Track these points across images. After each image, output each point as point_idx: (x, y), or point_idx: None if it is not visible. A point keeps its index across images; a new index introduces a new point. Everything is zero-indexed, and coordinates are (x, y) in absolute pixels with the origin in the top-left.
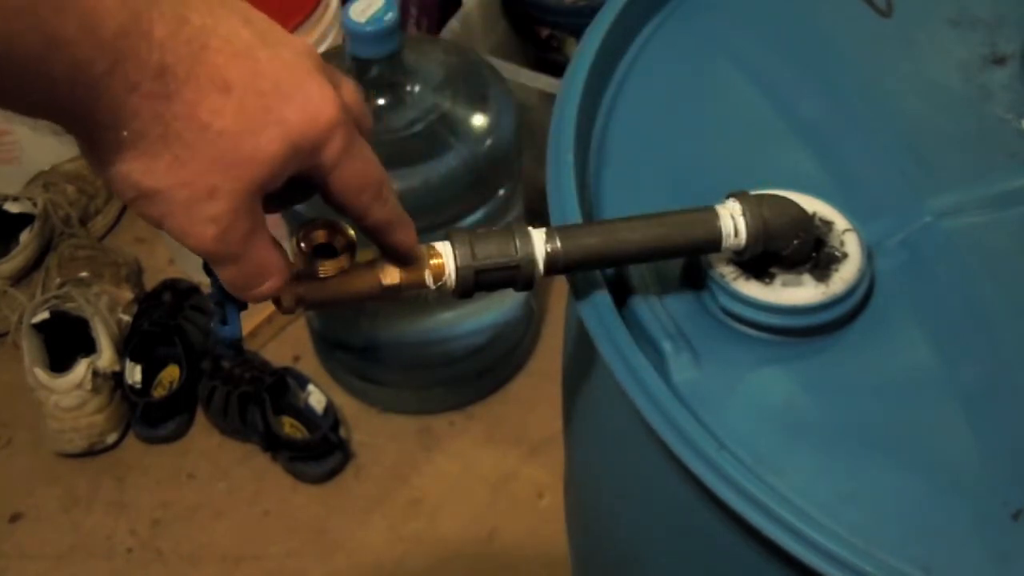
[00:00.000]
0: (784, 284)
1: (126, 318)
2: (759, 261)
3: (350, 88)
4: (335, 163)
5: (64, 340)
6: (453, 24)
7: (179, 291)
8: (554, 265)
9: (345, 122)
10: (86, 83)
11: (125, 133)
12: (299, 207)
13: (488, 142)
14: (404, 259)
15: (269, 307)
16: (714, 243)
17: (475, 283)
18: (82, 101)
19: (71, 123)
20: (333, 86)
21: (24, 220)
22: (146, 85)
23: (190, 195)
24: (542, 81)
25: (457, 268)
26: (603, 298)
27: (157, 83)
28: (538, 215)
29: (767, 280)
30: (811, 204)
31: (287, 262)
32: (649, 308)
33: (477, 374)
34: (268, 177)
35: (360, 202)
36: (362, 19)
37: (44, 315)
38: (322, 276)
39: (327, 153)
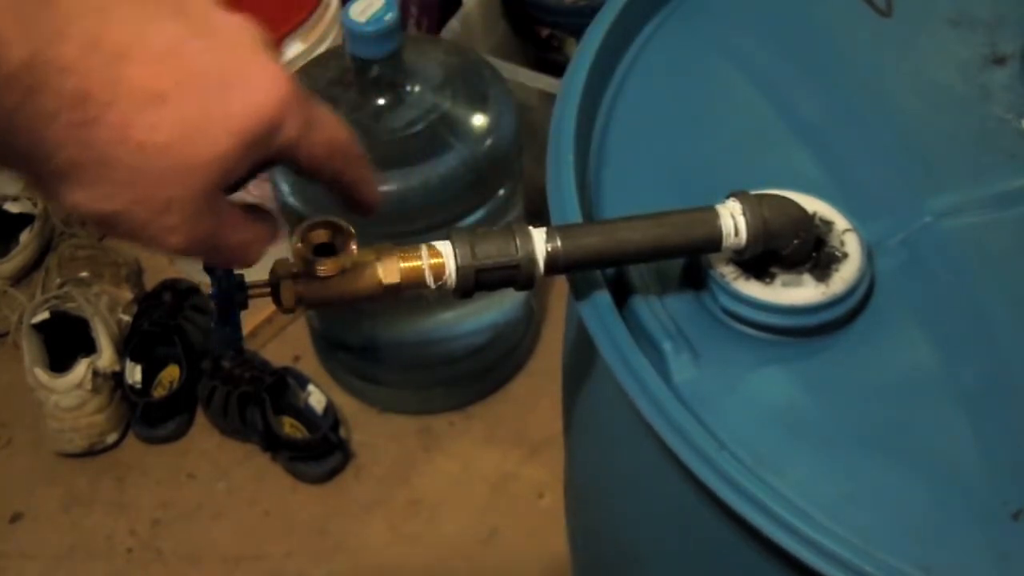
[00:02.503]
0: (784, 284)
1: (126, 318)
2: (759, 261)
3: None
4: (298, 139)
5: (64, 340)
6: (453, 24)
7: (179, 291)
8: (554, 265)
9: (297, 96)
10: None
11: (57, 163)
12: (299, 207)
13: (488, 142)
14: (370, 210)
15: (269, 307)
16: (714, 243)
17: (475, 283)
18: (1, 137)
19: (3, 162)
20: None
21: (24, 220)
22: (65, 115)
23: (147, 211)
24: (542, 81)
25: (457, 267)
26: (603, 298)
27: (77, 111)
28: (538, 215)
29: (767, 280)
30: (811, 204)
31: (269, 223)
32: (649, 308)
33: (477, 374)
34: (223, 176)
35: (332, 168)
36: (362, 19)
37: (44, 315)
38: (322, 276)
39: (287, 133)
